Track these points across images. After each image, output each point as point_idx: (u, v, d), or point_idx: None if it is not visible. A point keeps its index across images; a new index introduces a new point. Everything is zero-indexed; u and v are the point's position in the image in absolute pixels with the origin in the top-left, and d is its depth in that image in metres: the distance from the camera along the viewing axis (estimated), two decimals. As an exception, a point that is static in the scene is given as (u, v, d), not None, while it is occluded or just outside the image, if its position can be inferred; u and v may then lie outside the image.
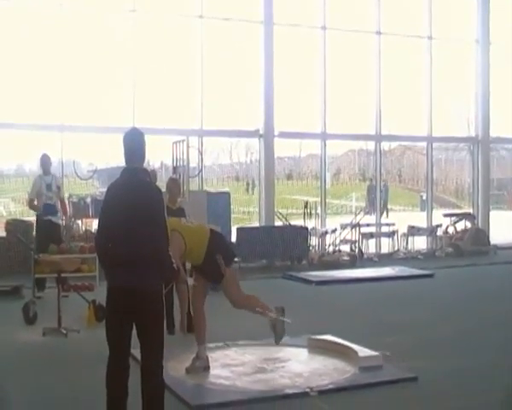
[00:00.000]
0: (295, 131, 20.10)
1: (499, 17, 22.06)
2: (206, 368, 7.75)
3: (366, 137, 22.11)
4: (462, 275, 16.85)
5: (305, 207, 19.26)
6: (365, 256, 19.24)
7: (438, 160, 25.66)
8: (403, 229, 20.30)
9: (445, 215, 21.74)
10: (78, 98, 17.44)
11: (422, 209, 24.25)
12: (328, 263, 17.46)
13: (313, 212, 19.40)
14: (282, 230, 17.99)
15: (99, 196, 16.19)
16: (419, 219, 22.14)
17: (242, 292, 8.05)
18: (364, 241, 19.74)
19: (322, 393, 6.99)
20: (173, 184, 10.54)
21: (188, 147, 15.27)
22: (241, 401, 6.78)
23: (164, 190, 9.86)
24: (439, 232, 20.92)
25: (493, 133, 22.45)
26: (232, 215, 18.82)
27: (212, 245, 7.67)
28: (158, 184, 7.16)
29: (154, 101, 18.16)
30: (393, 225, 20.46)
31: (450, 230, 21.16)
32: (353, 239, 19.24)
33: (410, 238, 20.26)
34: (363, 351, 8.14)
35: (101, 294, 8.64)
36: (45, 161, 13.13)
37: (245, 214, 24.94)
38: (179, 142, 15.49)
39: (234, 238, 17.31)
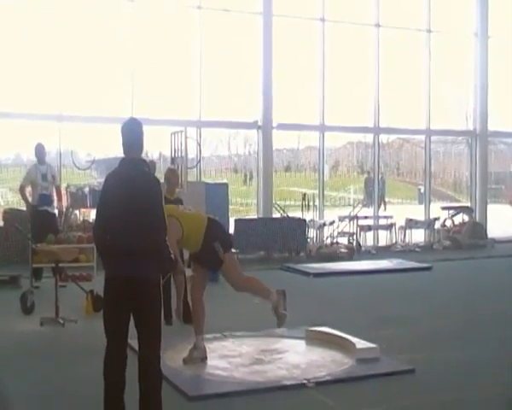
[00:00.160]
0: (294, 123, 20.08)
1: (498, 10, 22.04)
2: (204, 359, 7.76)
3: (364, 130, 22.08)
4: (460, 268, 16.87)
5: (304, 199, 19.27)
6: (363, 249, 19.25)
7: (436, 153, 25.61)
8: (401, 222, 20.33)
9: (443, 208, 21.76)
10: (77, 88, 17.40)
11: (420, 202, 24.22)
12: (326, 255, 17.47)
13: (311, 204, 19.41)
14: (280, 222, 18.00)
15: (97, 187, 16.16)
16: (417, 212, 22.15)
17: (243, 275, 8.05)
18: (362, 233, 19.76)
19: (320, 384, 7.00)
20: (171, 174, 10.52)
21: (186, 138, 15.24)
22: (239, 392, 6.79)
23: (162, 180, 9.86)
24: (437, 225, 20.97)
25: (491, 127, 22.46)
26: (230, 207, 18.78)
27: (210, 232, 7.67)
28: (156, 174, 7.15)
29: (153, 91, 18.12)
30: (391, 217, 20.49)
31: (448, 223, 21.19)
32: (351, 232, 19.27)
33: (407, 231, 20.30)
34: (360, 343, 8.15)
35: (98, 284, 8.67)
36: (40, 151, 13.12)
37: (243, 206, 24.89)
38: (177, 133, 15.46)
39: (232, 230, 17.30)
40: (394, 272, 15.66)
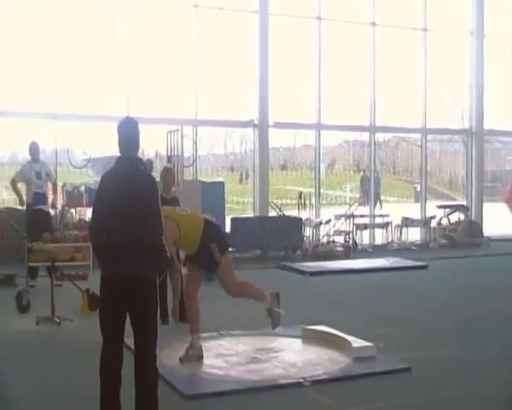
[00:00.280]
0: (290, 121, 20.07)
1: (493, 9, 22.07)
2: (200, 358, 7.76)
3: (361, 129, 22.09)
4: (456, 267, 16.89)
5: (300, 197, 19.28)
6: (359, 247, 19.27)
7: (432, 151, 25.65)
8: (397, 220, 20.34)
9: (439, 207, 21.78)
10: (73, 86, 17.38)
11: (416, 201, 24.25)
12: (322, 254, 17.48)
13: (307, 202, 19.42)
14: (277, 220, 18.00)
15: (93, 185, 16.13)
16: (413, 210, 22.17)
17: (237, 279, 8.05)
18: (358, 232, 19.78)
19: (316, 383, 7.00)
20: (167, 173, 10.51)
21: (182, 136, 15.23)
22: (235, 391, 6.78)
23: (158, 179, 9.86)
24: (433, 224, 21.00)
25: (487, 126, 22.48)
26: (226, 205, 18.80)
27: (207, 233, 7.66)
28: (153, 173, 7.14)
29: (149, 90, 18.11)
30: (387, 216, 20.50)
31: (444, 221, 21.23)
32: (347, 230, 19.27)
33: (403, 230, 20.32)
34: (356, 341, 8.15)
35: (94, 283, 8.66)
36: (34, 149, 13.10)
37: (239, 204, 24.90)
38: (174, 131, 15.44)
39: (228, 228, 17.31)
40: (390, 270, 15.68)
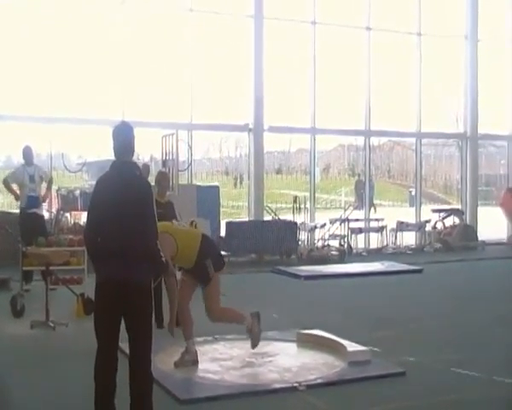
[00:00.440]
0: (285, 125, 20.07)
1: (488, 14, 22.12)
2: (195, 362, 7.75)
3: (355, 133, 22.13)
4: (451, 270, 16.89)
5: (295, 201, 19.26)
6: (354, 251, 19.29)
7: (427, 155, 25.75)
8: (392, 224, 20.36)
9: (434, 211, 21.81)
10: (68, 90, 17.36)
11: (411, 205, 24.29)
12: (317, 258, 17.47)
13: (302, 206, 19.41)
14: (272, 224, 17.99)
15: (88, 189, 16.12)
16: (408, 214, 22.21)
17: (220, 305, 7.96)
18: (353, 236, 19.79)
19: (311, 387, 7.00)
20: (162, 177, 10.52)
21: (177, 140, 15.20)
22: (230, 396, 6.78)
23: (153, 183, 9.85)
24: (428, 228, 21.02)
25: (482, 130, 22.51)
26: (221, 209, 18.81)
27: (204, 250, 7.66)
28: (149, 178, 7.14)
29: (144, 94, 18.11)
30: (382, 220, 20.52)
31: (439, 225, 21.25)
32: (342, 234, 19.28)
33: (398, 234, 20.34)
34: (351, 346, 8.16)
35: (89, 287, 8.65)
36: (28, 153, 13.09)
37: (234, 208, 24.93)
38: (169, 135, 15.40)
39: (223, 232, 17.31)
40: (385, 274, 15.67)
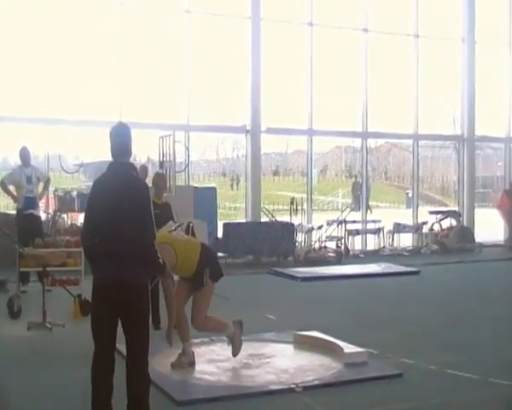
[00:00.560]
0: (282, 127, 20.08)
1: (485, 16, 22.14)
2: (192, 363, 7.74)
3: (353, 134, 22.13)
4: (448, 272, 16.91)
5: (292, 203, 19.28)
6: (351, 253, 19.28)
7: (424, 157, 25.73)
8: (389, 226, 20.37)
9: (431, 213, 21.82)
10: (65, 92, 17.36)
11: (408, 206, 24.31)
12: (314, 259, 17.47)
13: (299, 208, 19.43)
14: (269, 226, 17.99)
15: (85, 190, 16.11)
16: (405, 216, 22.22)
17: (205, 315, 7.90)
18: (350, 237, 19.79)
19: (308, 389, 7.00)
20: (159, 178, 10.52)
21: (174, 142, 15.22)
22: (227, 397, 6.77)
23: (150, 184, 9.85)
24: (425, 230, 21.03)
25: (479, 132, 22.54)
26: (218, 211, 18.81)
27: (203, 260, 7.65)
28: (147, 179, 7.13)
29: (141, 95, 18.10)
30: (379, 221, 20.53)
31: (436, 227, 21.26)
32: (339, 236, 19.28)
33: (395, 235, 20.35)
34: (348, 347, 8.15)
35: (86, 288, 8.65)
36: (25, 154, 13.08)
37: (231, 210, 24.94)
38: (166, 137, 15.43)
39: (220, 234, 17.32)
40: (382, 276, 15.67)
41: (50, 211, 16.16)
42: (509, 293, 13.31)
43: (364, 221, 20.88)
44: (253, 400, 6.79)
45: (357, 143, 22.58)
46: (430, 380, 7.40)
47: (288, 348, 8.71)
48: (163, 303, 8.81)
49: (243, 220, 19.37)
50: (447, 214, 21.69)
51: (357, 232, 20.05)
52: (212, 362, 7.99)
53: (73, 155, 19.48)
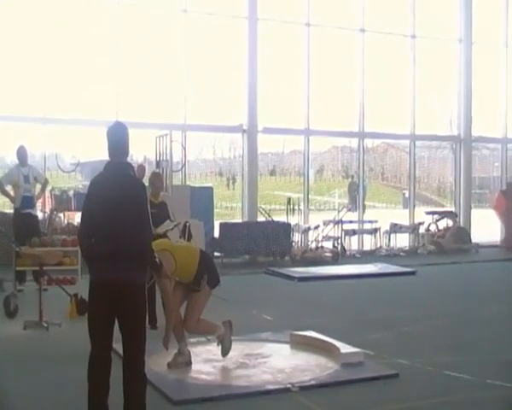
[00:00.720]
0: (279, 127, 20.09)
1: (482, 17, 22.17)
2: (188, 363, 7.74)
3: (349, 134, 22.14)
4: (444, 273, 16.93)
5: (288, 203, 19.29)
6: (348, 253, 19.30)
7: (420, 157, 25.74)
8: (385, 226, 20.38)
9: (428, 213, 21.84)
10: (62, 91, 17.35)
11: (405, 207, 24.33)
12: (311, 259, 17.48)
13: (296, 208, 19.43)
14: (265, 225, 17.99)
15: (82, 190, 16.10)
16: (401, 216, 22.22)
17: (197, 318, 7.89)
18: (347, 237, 19.80)
19: (304, 389, 7.00)
20: (156, 178, 10.52)
21: (171, 141, 15.22)
22: (223, 397, 6.77)
23: (147, 184, 9.85)
24: (422, 230, 21.06)
25: (475, 132, 22.58)
26: (215, 210, 18.81)
27: (202, 267, 7.65)
28: (144, 178, 7.12)
29: (138, 94, 18.10)
30: (376, 222, 20.54)
31: (433, 228, 21.29)
32: (336, 236, 19.30)
33: (392, 235, 20.37)
34: (344, 347, 8.15)
35: (82, 287, 8.63)
36: (22, 153, 13.04)
37: (228, 209, 24.93)
38: (162, 136, 15.42)
39: (217, 233, 17.31)
40: (379, 276, 15.69)
41: (47, 210, 16.14)
42: (506, 293, 13.34)
43: (361, 221, 20.90)
44: (249, 399, 6.79)
45: (353, 143, 22.58)
46: (426, 380, 7.41)
47: (285, 348, 8.71)
48: (159, 303, 8.84)
49: (240, 220, 19.36)
50: (444, 215, 21.72)
51: (354, 232, 20.06)
52: (209, 362, 7.99)
53: (70, 154, 19.44)
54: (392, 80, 21.55)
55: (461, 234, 21.17)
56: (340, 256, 18.29)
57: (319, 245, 18.85)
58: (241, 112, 19.19)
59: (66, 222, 16.44)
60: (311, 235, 19.21)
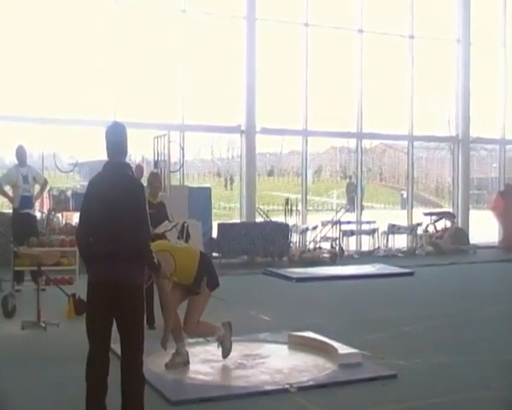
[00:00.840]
0: (277, 127, 20.09)
1: (480, 17, 22.18)
2: (186, 363, 7.74)
3: (348, 135, 22.15)
4: (442, 274, 16.93)
5: (286, 203, 19.29)
6: (346, 254, 19.30)
7: (418, 158, 25.73)
8: (383, 227, 20.38)
9: (426, 214, 21.85)
10: (60, 91, 17.34)
11: (403, 207, 24.31)
12: (309, 260, 17.48)
13: (294, 208, 19.43)
14: (263, 226, 17.99)
15: (80, 190, 16.09)
16: (399, 217, 22.23)
17: (197, 320, 7.88)
18: (345, 238, 19.80)
19: (302, 389, 6.99)
20: (154, 178, 10.51)
21: (169, 142, 15.22)
22: (221, 397, 6.77)
23: (145, 184, 9.84)
24: (420, 231, 21.05)
25: (473, 133, 22.59)
26: (213, 211, 18.81)
27: (202, 269, 7.65)
28: (142, 179, 7.11)
29: (136, 94, 18.09)
30: (374, 222, 20.54)
31: (431, 228, 21.29)
32: (334, 236, 19.30)
33: (390, 236, 20.37)
34: (342, 348, 8.15)
35: (80, 287, 8.62)
36: (21, 153, 13.03)
37: (226, 210, 24.90)
38: (161, 136, 15.42)
39: (215, 234, 17.30)
40: (377, 277, 15.69)
41: (45, 210, 16.12)
42: (505, 294, 13.35)
43: (359, 222, 20.89)
44: (247, 400, 6.79)
45: (351, 143, 22.60)
46: (425, 381, 7.40)
47: (283, 349, 8.71)
48: (157, 303, 8.83)
49: (238, 221, 19.36)
50: (442, 216, 21.72)
51: (352, 233, 20.06)
52: (207, 362, 7.98)
53: (68, 154, 19.42)
54: (390, 81, 21.55)
55: (459, 235, 21.18)
56: (338, 257, 18.30)
57: (317, 246, 18.84)
58: (240, 112, 19.19)
59: (64, 222, 16.42)
60: (309, 235, 19.22)
